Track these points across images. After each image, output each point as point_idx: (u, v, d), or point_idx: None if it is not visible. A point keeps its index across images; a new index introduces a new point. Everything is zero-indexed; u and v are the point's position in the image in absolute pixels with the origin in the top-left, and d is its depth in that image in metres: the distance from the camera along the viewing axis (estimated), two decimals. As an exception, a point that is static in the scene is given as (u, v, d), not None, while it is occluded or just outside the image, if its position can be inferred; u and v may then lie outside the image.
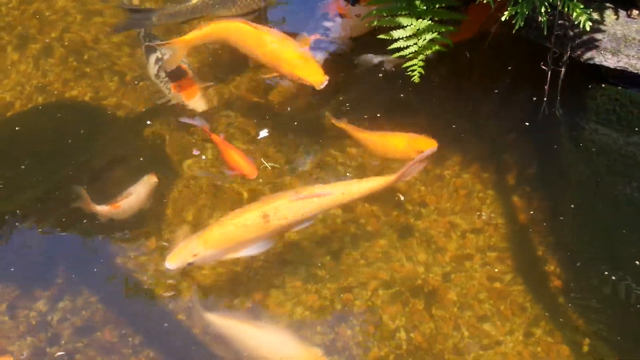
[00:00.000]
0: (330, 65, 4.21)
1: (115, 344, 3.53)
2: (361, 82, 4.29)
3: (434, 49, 3.79)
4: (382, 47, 3.87)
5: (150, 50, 4.30)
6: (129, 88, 4.37)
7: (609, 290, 3.61)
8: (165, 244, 3.75)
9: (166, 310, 3.62)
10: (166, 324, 3.59)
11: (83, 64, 4.49)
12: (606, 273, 3.64)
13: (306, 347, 3.42)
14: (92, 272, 3.72)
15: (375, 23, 3.89)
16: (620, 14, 3.93)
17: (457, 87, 4.22)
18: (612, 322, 3.56)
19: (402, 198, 3.92)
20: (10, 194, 3.87)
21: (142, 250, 3.78)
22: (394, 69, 4.22)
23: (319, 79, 3.77)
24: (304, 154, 4.08)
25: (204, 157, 4.07)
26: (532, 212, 3.87)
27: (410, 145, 3.79)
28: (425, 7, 3.79)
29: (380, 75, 4.27)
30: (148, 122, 4.21)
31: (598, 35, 3.89)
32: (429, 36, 3.77)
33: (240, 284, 3.69)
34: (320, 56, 4.31)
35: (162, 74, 4.19)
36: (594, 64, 3.95)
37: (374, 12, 3.87)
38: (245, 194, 3.93)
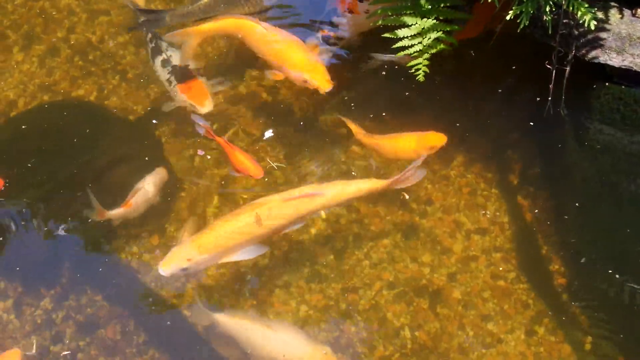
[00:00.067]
0: (337, 62, 4.22)
1: (119, 343, 3.55)
2: (366, 81, 4.29)
3: (438, 47, 3.79)
4: (392, 43, 3.86)
5: (156, 52, 4.29)
6: (133, 87, 4.37)
7: (613, 289, 3.62)
8: (170, 242, 3.77)
9: (170, 308, 3.64)
10: (169, 323, 3.60)
11: (88, 63, 4.49)
12: (610, 271, 3.64)
13: (315, 345, 3.43)
14: (96, 271, 3.74)
15: (380, 22, 3.88)
16: (625, 13, 3.92)
17: (461, 86, 4.22)
18: (616, 321, 3.57)
19: (407, 197, 3.93)
20: (15, 192, 3.88)
21: (147, 248, 3.79)
22: (398, 67, 4.22)
23: (324, 85, 3.79)
24: (309, 153, 4.08)
25: (208, 156, 4.07)
26: (536, 211, 3.88)
27: (420, 143, 3.79)
28: (430, 6, 3.78)
29: (385, 74, 4.26)
30: (154, 121, 4.22)
31: (603, 34, 3.89)
32: (433, 35, 3.77)
33: (245, 283, 3.70)
34: (328, 52, 4.30)
35: (171, 77, 4.17)
36: (599, 63, 3.94)
37: (379, 11, 3.87)
38: (248, 194, 3.96)
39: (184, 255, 3.34)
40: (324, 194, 3.47)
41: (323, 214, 3.86)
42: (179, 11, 4.38)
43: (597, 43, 3.91)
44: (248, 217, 3.37)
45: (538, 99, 4.03)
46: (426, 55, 3.78)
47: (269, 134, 4.15)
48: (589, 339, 3.54)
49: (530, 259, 3.78)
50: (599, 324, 3.57)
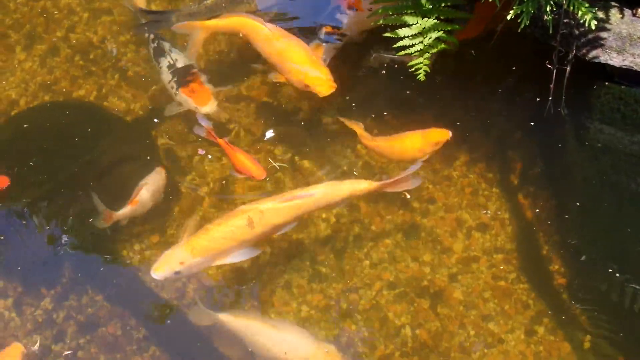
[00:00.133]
0: (339, 61, 4.20)
1: (119, 339, 3.55)
2: (367, 81, 4.29)
3: (439, 47, 3.79)
4: (394, 42, 3.87)
5: (159, 54, 4.28)
6: (135, 87, 4.37)
7: (613, 289, 3.62)
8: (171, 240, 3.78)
9: (171, 307, 3.64)
10: (170, 321, 3.61)
11: (89, 62, 4.49)
12: (610, 270, 3.65)
13: (320, 344, 3.43)
14: (97, 271, 3.74)
15: (381, 21, 3.88)
16: (626, 13, 3.92)
17: (462, 86, 4.22)
18: (615, 320, 3.57)
19: (408, 197, 3.93)
20: (17, 191, 3.88)
21: (148, 247, 3.79)
22: (398, 65, 4.22)
23: (325, 91, 3.78)
24: (311, 153, 4.09)
25: (210, 156, 4.08)
26: (537, 210, 3.88)
27: (425, 141, 3.79)
28: (430, 6, 3.78)
29: (386, 73, 4.27)
30: (155, 120, 4.22)
31: (603, 34, 3.89)
32: (434, 35, 3.77)
33: (246, 283, 3.71)
34: (332, 49, 4.30)
35: (174, 79, 4.15)
36: (599, 63, 3.94)
37: (380, 10, 3.87)
38: (251, 193, 3.96)
39: (176, 259, 3.34)
40: (315, 196, 3.47)
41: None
42: (185, 11, 4.37)
43: (597, 43, 3.91)
44: (240, 221, 3.38)
45: (538, 98, 4.04)
46: (427, 55, 3.78)
47: (269, 134, 4.15)
48: (588, 337, 3.54)
49: (530, 259, 3.78)
50: (599, 323, 3.58)
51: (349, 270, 3.74)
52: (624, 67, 3.92)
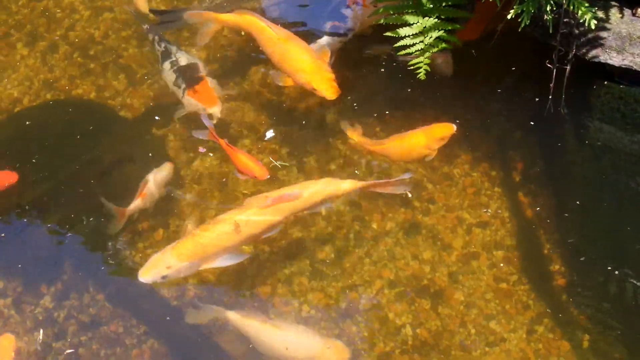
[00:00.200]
0: (339, 61, 4.21)
1: (121, 335, 3.56)
2: (368, 81, 4.29)
3: (440, 46, 3.80)
4: (396, 40, 3.87)
5: (167, 57, 4.28)
6: (136, 85, 4.38)
7: (613, 287, 3.63)
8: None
9: (172, 305, 3.65)
10: (169, 318, 3.61)
11: (90, 60, 4.51)
12: (609, 268, 3.66)
13: (329, 340, 3.46)
14: (98, 268, 3.75)
15: (382, 21, 3.89)
16: (625, 13, 3.94)
17: (463, 85, 4.23)
18: (614, 319, 3.58)
19: (409, 195, 3.94)
20: (19, 189, 3.88)
21: (150, 245, 3.80)
22: (396, 63, 4.23)
23: (331, 95, 3.79)
24: (312, 152, 4.09)
25: (211, 154, 4.09)
26: (537, 209, 3.88)
27: (430, 137, 3.81)
28: (431, 5, 3.79)
29: (387, 73, 4.28)
30: (156, 118, 4.23)
31: (603, 34, 3.91)
32: (435, 34, 3.77)
33: (246, 281, 3.71)
34: (337, 43, 4.31)
35: (179, 81, 4.14)
36: (599, 62, 3.96)
37: (381, 9, 3.88)
38: (251, 191, 3.96)
39: (163, 263, 3.37)
40: (301, 197, 3.48)
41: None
42: (196, 8, 4.39)
43: (597, 42, 3.93)
44: (227, 225, 3.40)
45: (538, 98, 4.05)
46: (427, 54, 3.79)
47: (270, 133, 4.16)
48: (587, 336, 3.55)
49: (531, 258, 3.79)
50: (598, 321, 3.58)
51: (349, 268, 3.74)
52: (623, 66, 3.93)
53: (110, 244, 3.81)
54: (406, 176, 3.65)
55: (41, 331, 3.57)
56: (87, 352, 3.53)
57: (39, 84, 4.40)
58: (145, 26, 4.46)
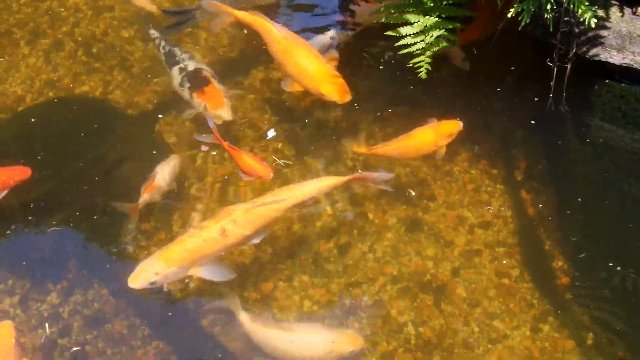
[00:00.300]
0: (340, 61, 4.23)
1: (125, 336, 3.57)
2: (370, 80, 4.31)
3: (441, 45, 3.81)
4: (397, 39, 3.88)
5: (172, 58, 4.27)
6: (141, 83, 4.40)
7: (616, 285, 3.63)
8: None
9: (175, 302, 3.65)
10: (171, 314, 3.62)
11: (94, 59, 4.53)
12: (610, 264, 3.66)
13: (341, 330, 3.48)
14: (103, 267, 3.76)
15: (383, 20, 3.90)
16: (626, 12, 3.95)
17: (464, 84, 4.24)
18: (617, 316, 3.58)
19: (412, 193, 3.95)
20: (22, 186, 3.88)
21: (153, 243, 3.81)
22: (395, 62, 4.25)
23: (341, 99, 3.78)
24: (314, 150, 4.10)
25: (213, 152, 4.10)
26: (540, 206, 3.89)
27: (438, 134, 3.80)
28: (432, 4, 3.80)
29: (389, 72, 4.29)
30: (160, 116, 4.25)
31: (603, 32, 3.92)
32: (436, 33, 3.78)
33: (248, 277, 3.72)
34: (343, 36, 4.32)
35: (187, 84, 4.12)
36: (600, 61, 3.97)
37: (382, 8, 3.89)
38: (252, 189, 3.98)
39: (152, 270, 3.37)
40: (285, 199, 3.48)
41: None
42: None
43: (597, 41, 3.94)
44: (213, 230, 3.40)
45: (539, 97, 4.06)
46: (428, 53, 3.79)
47: (271, 133, 4.17)
48: (591, 335, 3.54)
49: (533, 255, 3.79)
50: (601, 320, 3.58)
51: (352, 265, 3.75)
52: (624, 65, 3.94)
53: (115, 240, 3.82)
54: (386, 176, 3.66)
55: (47, 325, 3.58)
56: (94, 349, 3.54)
57: (40, 83, 4.42)
58: (179, 18, 4.45)
